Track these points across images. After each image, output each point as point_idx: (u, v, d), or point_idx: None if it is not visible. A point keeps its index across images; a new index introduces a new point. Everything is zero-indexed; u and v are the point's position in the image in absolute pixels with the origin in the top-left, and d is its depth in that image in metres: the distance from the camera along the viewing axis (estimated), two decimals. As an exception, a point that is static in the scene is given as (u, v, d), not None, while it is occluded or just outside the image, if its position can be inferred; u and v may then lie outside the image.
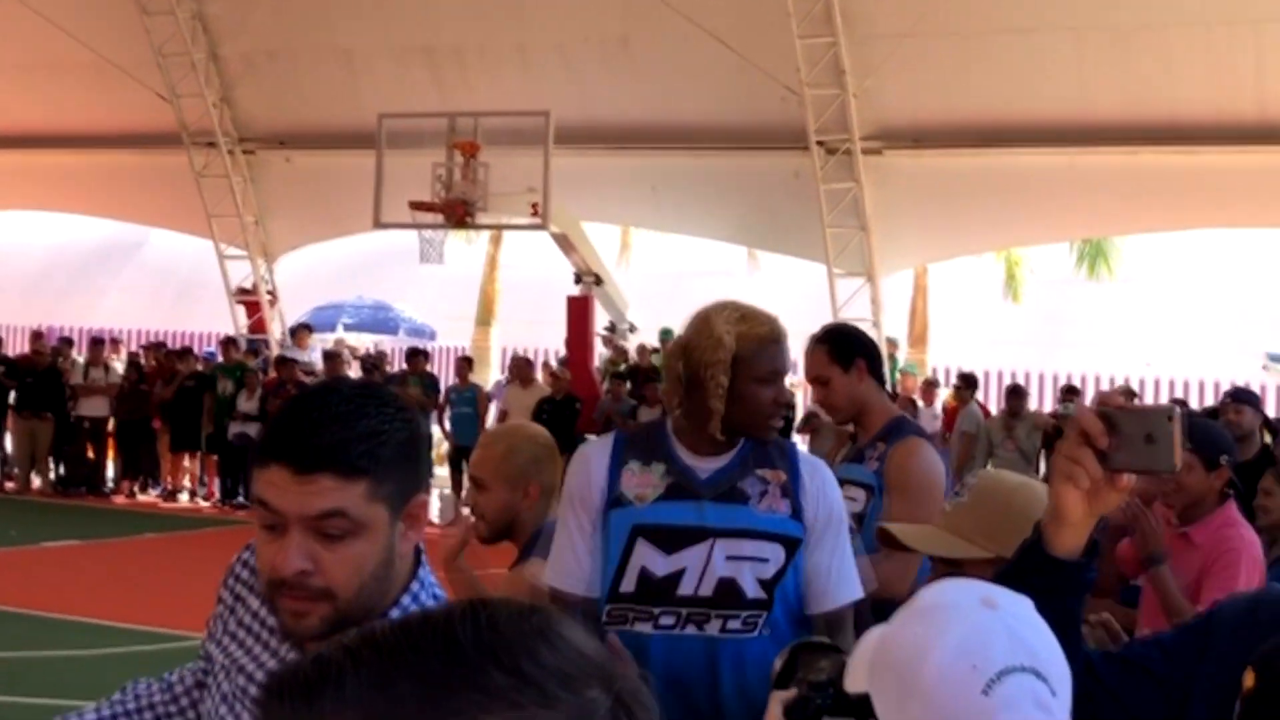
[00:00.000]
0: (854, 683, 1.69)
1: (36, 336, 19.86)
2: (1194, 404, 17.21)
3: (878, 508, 4.01)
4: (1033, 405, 16.50)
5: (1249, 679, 1.40)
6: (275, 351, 20.02)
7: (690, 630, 3.11)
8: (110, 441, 18.26)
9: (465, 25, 18.81)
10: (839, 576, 3.22)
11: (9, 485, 17.86)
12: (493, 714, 0.83)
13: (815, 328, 4.47)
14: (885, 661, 1.59)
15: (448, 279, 24.13)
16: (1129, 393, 13.97)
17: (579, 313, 17.87)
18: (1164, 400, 15.71)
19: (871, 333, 14.60)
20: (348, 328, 23.69)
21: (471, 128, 16.73)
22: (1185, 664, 1.94)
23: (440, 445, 17.72)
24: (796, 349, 3.79)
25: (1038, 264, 25.33)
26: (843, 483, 3.51)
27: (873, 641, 1.66)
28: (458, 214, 16.57)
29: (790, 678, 2.00)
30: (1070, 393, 15.78)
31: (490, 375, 22.65)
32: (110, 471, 18.36)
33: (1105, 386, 17.24)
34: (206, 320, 23.85)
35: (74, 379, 18.07)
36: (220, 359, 18.70)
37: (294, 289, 22.71)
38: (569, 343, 18.22)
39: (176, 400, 17.49)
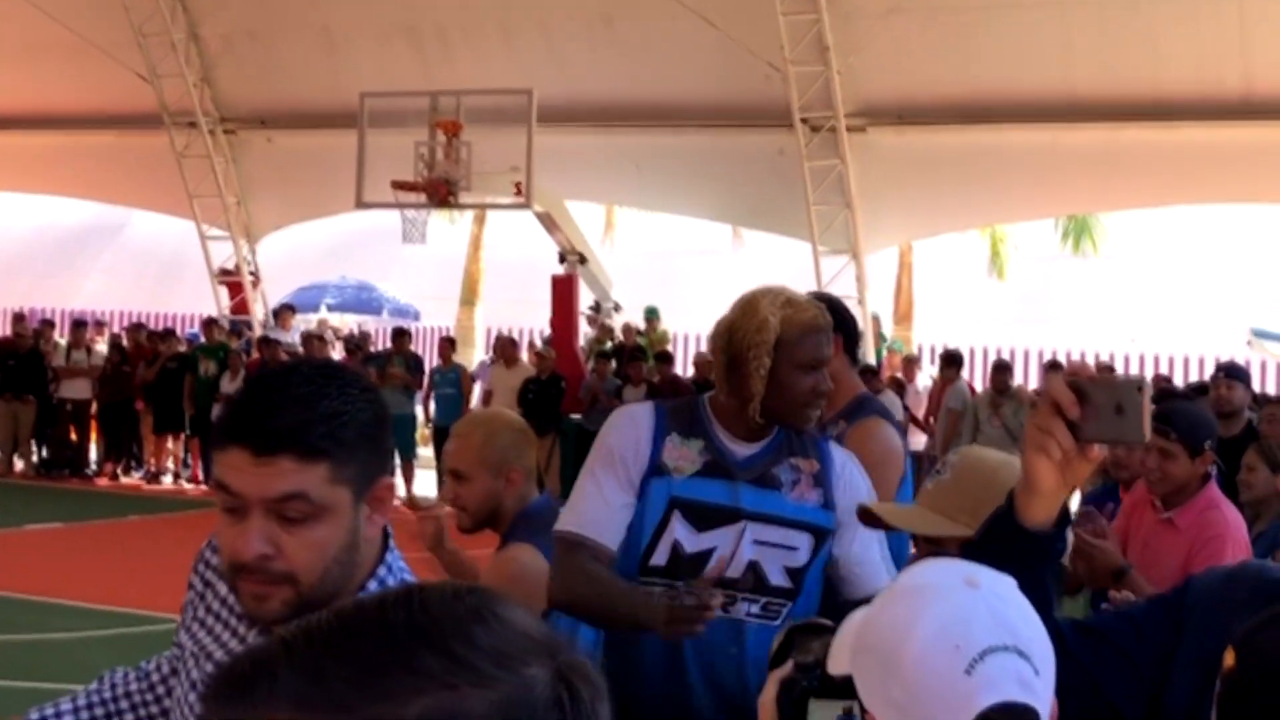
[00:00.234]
0: (837, 665, 1.67)
1: (18, 319, 19.79)
2: (1179, 380, 17.28)
3: None
4: (1018, 381, 16.52)
5: (1229, 658, 1.39)
6: (258, 332, 19.96)
7: (716, 612, 3.09)
8: (93, 424, 18.21)
9: (447, 3, 18.75)
10: (868, 567, 3.22)
11: (-8, 468, 17.82)
12: (426, 695, 0.83)
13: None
14: (867, 643, 1.57)
15: (431, 259, 24.11)
16: (1107, 369, 14.00)
17: (563, 292, 17.84)
18: (1149, 376, 15.73)
19: (856, 310, 14.65)
20: (331, 308, 23.64)
21: (454, 106, 16.67)
22: (1155, 639, 1.92)
23: (424, 426, 17.73)
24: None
25: (1022, 241, 25.39)
26: None
27: (855, 623, 1.65)
28: (440, 193, 16.52)
29: (785, 658, 2.00)
30: (1054, 368, 15.78)
31: (474, 355, 22.62)
32: (93, 454, 18.32)
33: (1090, 363, 17.26)
34: (189, 301, 23.79)
35: (56, 361, 18.02)
36: (203, 340, 18.65)
37: (277, 270, 22.64)
38: (553, 322, 18.20)
39: (159, 382, 17.45)
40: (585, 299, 18.65)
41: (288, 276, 23.16)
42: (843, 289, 17.45)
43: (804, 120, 17.99)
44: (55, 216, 28.19)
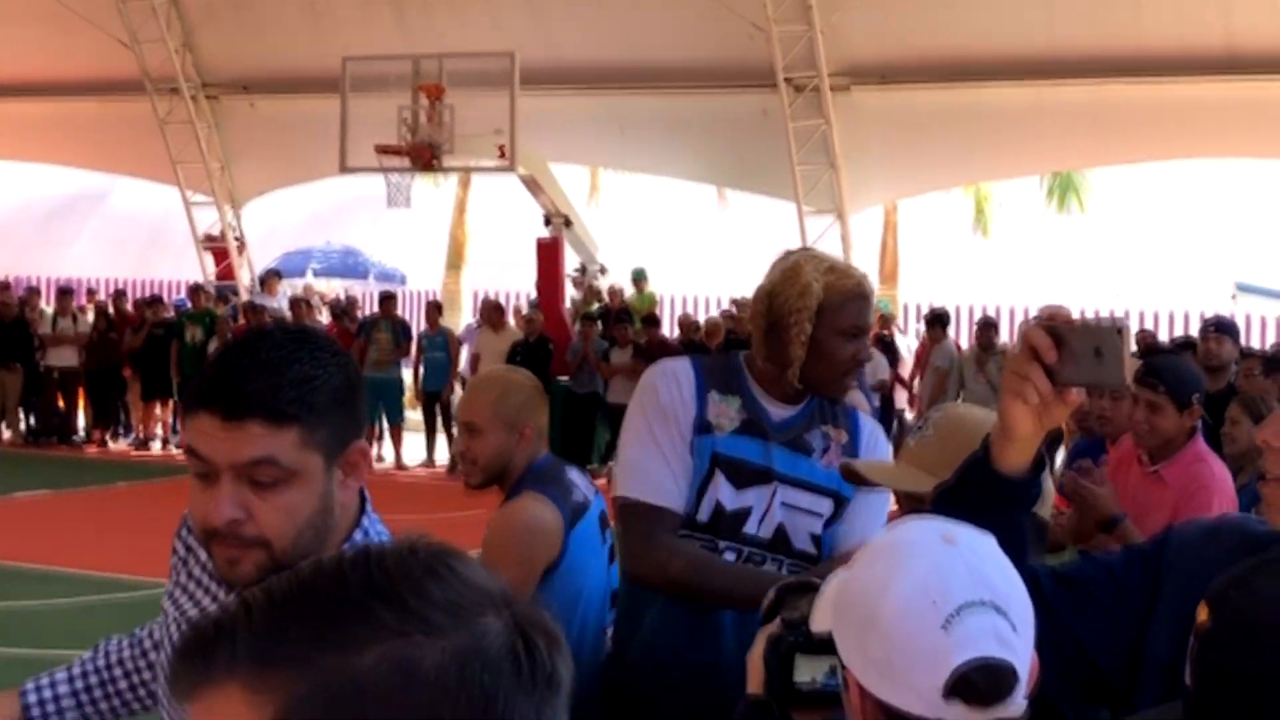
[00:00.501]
0: (819, 622, 1.69)
1: (3, 287, 19.68)
2: (1164, 335, 17.32)
3: None
4: (1004, 339, 16.54)
5: (1203, 613, 1.40)
6: (244, 298, 19.91)
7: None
8: (80, 391, 18.17)
9: (428, -34, 18.64)
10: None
11: (-21, 437, 17.80)
12: (380, 643, 0.86)
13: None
14: (847, 600, 1.59)
15: (417, 223, 24.03)
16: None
17: (549, 255, 17.79)
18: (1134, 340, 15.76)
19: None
20: (317, 273, 23.58)
21: (436, 70, 16.59)
22: (1133, 591, 1.92)
23: (412, 390, 17.72)
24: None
25: (1007, 198, 25.36)
26: None
27: (836, 581, 1.66)
28: (424, 157, 16.47)
29: (776, 616, 2.02)
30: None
31: (461, 319, 22.57)
32: (81, 421, 18.29)
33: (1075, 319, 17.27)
34: (175, 268, 23.72)
35: (42, 329, 17.95)
36: (190, 307, 18.60)
37: (263, 235, 22.57)
38: (539, 285, 18.16)
39: (146, 349, 17.41)
40: (571, 262, 18.62)
41: (273, 242, 23.09)
42: (828, 249, 17.35)
43: (788, 80, 17.94)
44: (39, 185, 28.03)
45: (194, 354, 17.05)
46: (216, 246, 21.68)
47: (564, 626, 0.94)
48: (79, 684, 2.30)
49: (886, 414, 14.69)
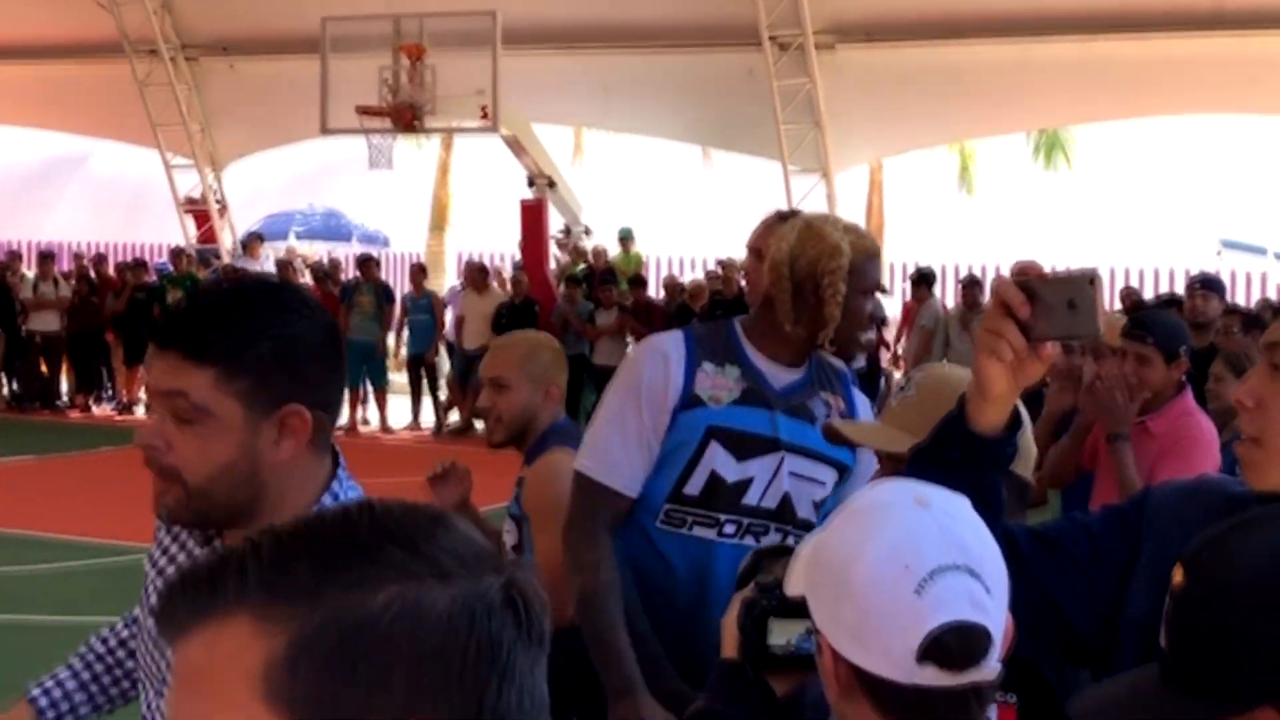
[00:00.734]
0: (793, 586, 1.67)
1: (-16, 252, 19.63)
2: (1149, 292, 17.32)
3: None
4: (989, 297, 16.56)
5: (1178, 574, 1.38)
6: (226, 262, 19.83)
7: (749, 541, 3.07)
8: (63, 356, 18.12)
9: (408, -76, 18.46)
10: None
11: (-39, 403, 17.75)
12: (390, 583, 0.87)
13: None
14: (820, 564, 1.57)
15: (399, 185, 23.93)
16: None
17: (533, 217, 17.74)
18: (1119, 287, 15.76)
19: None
20: (300, 236, 23.50)
21: (417, 30, 16.48)
22: (1110, 551, 1.90)
23: (396, 354, 17.70)
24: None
25: (993, 156, 25.33)
26: None
27: (809, 545, 1.64)
28: (405, 119, 16.39)
29: (750, 580, 2.02)
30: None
31: (445, 281, 22.52)
32: (64, 386, 18.25)
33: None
34: (156, 232, 23.58)
35: (23, 294, 17.88)
36: (172, 270, 18.53)
37: (244, 198, 22.46)
38: (524, 247, 18.13)
39: (129, 313, 17.35)
40: (555, 223, 18.57)
41: (255, 205, 22.99)
42: (813, 208, 17.39)
43: (772, 39, 17.85)
44: (18, 149, 27.85)
45: (176, 318, 16.97)
46: (198, 210, 21.58)
47: None
48: (84, 675, 2.31)
49: (873, 374, 14.69)
